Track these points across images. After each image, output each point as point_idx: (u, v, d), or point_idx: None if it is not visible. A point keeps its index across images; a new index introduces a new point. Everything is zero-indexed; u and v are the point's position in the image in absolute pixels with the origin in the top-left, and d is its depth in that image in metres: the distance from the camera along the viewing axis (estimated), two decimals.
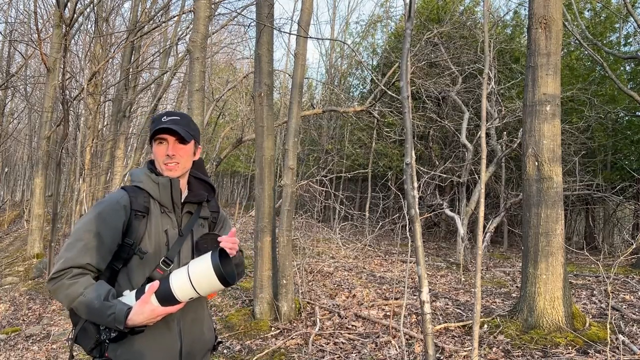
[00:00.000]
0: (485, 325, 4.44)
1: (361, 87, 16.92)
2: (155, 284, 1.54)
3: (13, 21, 16.17)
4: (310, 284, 6.45)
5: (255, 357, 4.18)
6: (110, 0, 12.99)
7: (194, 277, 1.55)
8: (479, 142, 7.82)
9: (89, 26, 13.74)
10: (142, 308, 1.52)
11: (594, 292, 5.93)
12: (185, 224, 1.76)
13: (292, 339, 4.56)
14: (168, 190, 1.70)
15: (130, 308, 1.52)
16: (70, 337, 1.67)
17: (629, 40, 11.93)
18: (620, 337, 4.04)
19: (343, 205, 12.79)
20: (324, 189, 10.34)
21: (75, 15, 9.60)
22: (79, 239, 1.57)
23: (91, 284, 1.55)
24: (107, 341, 1.56)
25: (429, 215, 10.16)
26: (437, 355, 3.98)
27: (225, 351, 4.42)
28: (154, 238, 1.66)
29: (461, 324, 4.75)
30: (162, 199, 1.70)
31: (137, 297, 1.55)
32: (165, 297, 1.54)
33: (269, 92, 5.19)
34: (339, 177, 14.35)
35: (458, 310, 5.32)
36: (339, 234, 10.20)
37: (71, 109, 10.66)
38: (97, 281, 1.58)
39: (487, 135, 9.58)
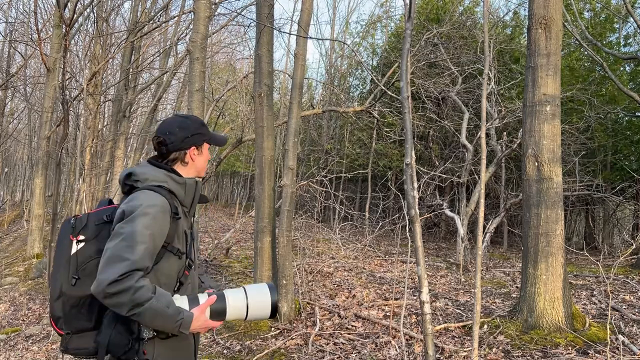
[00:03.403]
0: (485, 326, 4.44)
1: (361, 87, 16.92)
2: (213, 297, 1.62)
3: (13, 21, 16.17)
4: (310, 284, 6.44)
5: (255, 358, 4.18)
6: (110, 0, 12.98)
7: (252, 304, 1.66)
8: (479, 142, 7.81)
9: (89, 26, 13.77)
10: (201, 317, 1.58)
11: (594, 292, 5.92)
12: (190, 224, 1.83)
13: (292, 339, 4.56)
14: (193, 191, 1.75)
15: (192, 315, 1.57)
16: (61, 348, 1.62)
17: (628, 41, 11.92)
18: (620, 337, 4.05)
19: (343, 205, 12.77)
20: (324, 189, 10.32)
21: (75, 15, 9.60)
22: (141, 242, 1.51)
23: (155, 288, 1.51)
24: (145, 339, 1.58)
25: (428, 215, 10.15)
26: (437, 355, 3.98)
27: (225, 351, 4.42)
28: (182, 239, 1.68)
29: (461, 324, 4.75)
30: (186, 200, 1.73)
31: (190, 305, 1.60)
32: (219, 312, 1.63)
33: (269, 92, 5.20)
34: (338, 178, 14.34)
35: (458, 311, 5.32)
36: (339, 234, 10.18)
37: (71, 109, 10.65)
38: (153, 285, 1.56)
39: (487, 135, 9.58)
